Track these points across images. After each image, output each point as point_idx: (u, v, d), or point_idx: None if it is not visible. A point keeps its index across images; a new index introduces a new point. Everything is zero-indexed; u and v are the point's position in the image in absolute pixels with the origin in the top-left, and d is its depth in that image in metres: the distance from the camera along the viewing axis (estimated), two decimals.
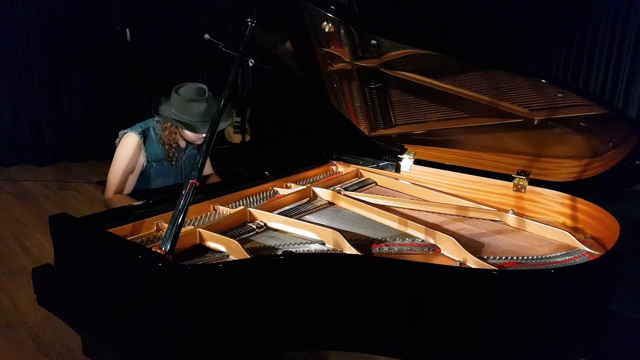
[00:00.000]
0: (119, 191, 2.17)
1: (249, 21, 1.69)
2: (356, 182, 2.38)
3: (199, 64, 5.47)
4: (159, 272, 1.32)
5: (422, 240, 1.75)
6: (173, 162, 2.27)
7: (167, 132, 2.19)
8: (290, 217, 1.90)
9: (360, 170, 2.49)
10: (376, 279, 1.37)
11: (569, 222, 2.00)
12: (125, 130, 2.24)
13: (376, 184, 2.42)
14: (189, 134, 2.21)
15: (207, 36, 4.61)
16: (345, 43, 2.19)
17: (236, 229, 1.79)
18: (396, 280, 1.40)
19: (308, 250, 1.65)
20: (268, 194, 2.15)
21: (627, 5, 3.29)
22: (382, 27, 1.73)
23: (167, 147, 2.22)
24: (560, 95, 1.73)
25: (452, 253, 1.65)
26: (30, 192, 4.65)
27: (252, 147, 5.17)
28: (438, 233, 1.70)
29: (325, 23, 1.79)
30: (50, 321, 2.59)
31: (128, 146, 2.19)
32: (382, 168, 2.47)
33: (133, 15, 5.39)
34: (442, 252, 1.68)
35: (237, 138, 5.19)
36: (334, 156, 2.59)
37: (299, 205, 2.06)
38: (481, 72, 1.98)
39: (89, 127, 5.51)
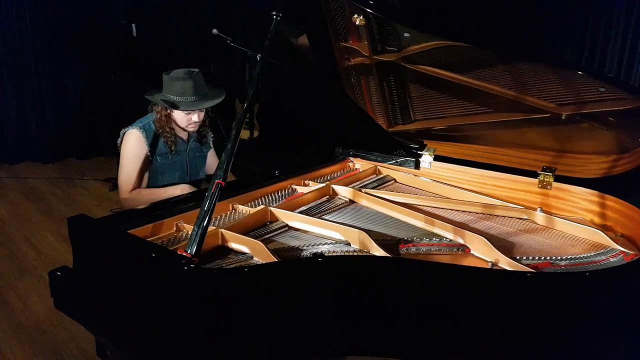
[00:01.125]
0: (134, 189, 2.12)
1: (274, 14, 1.63)
2: (375, 179, 2.32)
3: (206, 58, 5.41)
4: (186, 276, 1.27)
5: (450, 240, 1.70)
6: (172, 149, 2.21)
7: (159, 116, 2.15)
8: (312, 216, 1.85)
9: (379, 167, 2.44)
10: (418, 283, 1.32)
11: (597, 219, 1.95)
12: (126, 128, 2.21)
13: (395, 181, 2.36)
14: (178, 116, 2.17)
15: (215, 31, 4.55)
16: (364, 37, 2.14)
17: (258, 229, 1.74)
18: (447, 285, 1.34)
19: (334, 252, 1.60)
20: (286, 192, 2.10)
21: None
22: (428, 24, 1.67)
23: (162, 133, 2.18)
24: (602, 90, 1.66)
25: (483, 253, 1.60)
26: (36, 190, 4.60)
27: (260, 143, 5.11)
28: (467, 232, 1.65)
29: (355, 16, 1.72)
30: (63, 322, 2.55)
31: (131, 143, 2.16)
32: (400, 164, 2.42)
33: (138, 9, 5.32)
34: (472, 252, 1.63)
35: (245, 134, 5.13)
36: (351, 152, 2.53)
37: (319, 203, 2.00)
38: (506, 65, 1.92)
39: (95, 123, 5.45)
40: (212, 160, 2.49)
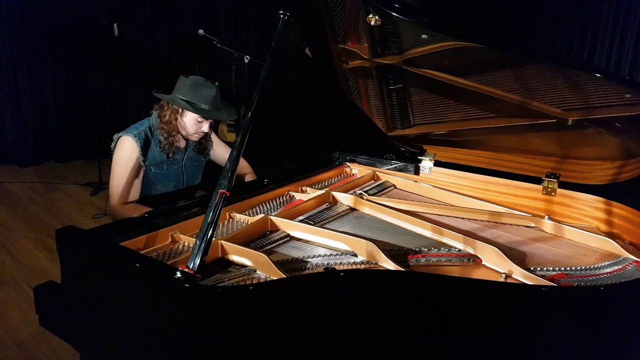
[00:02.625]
0: (126, 200, 2.00)
1: (282, 14, 1.54)
2: (375, 185, 2.25)
3: (191, 59, 5.29)
4: (188, 294, 1.17)
5: (459, 250, 1.63)
6: (170, 156, 2.11)
7: (167, 119, 2.04)
8: (313, 225, 1.77)
9: (377, 173, 2.37)
10: (443, 299, 1.24)
11: (604, 227, 1.91)
12: (120, 134, 2.08)
13: (395, 187, 2.30)
14: (188, 122, 2.08)
15: (201, 31, 4.46)
16: (363, 39, 2.07)
17: (258, 239, 1.65)
18: (475, 303, 1.26)
19: (341, 264, 1.52)
20: (284, 199, 2.02)
21: None
22: (453, 27, 1.60)
23: (165, 136, 2.07)
24: (628, 96, 1.61)
25: (495, 264, 1.54)
26: (14, 195, 4.42)
27: (247, 146, 5.00)
28: (478, 242, 1.59)
29: (370, 16, 1.65)
30: (44, 336, 2.41)
31: (125, 150, 2.04)
32: (400, 170, 2.35)
33: (121, 8, 5.17)
34: (483, 262, 1.57)
35: (231, 137, 5.02)
36: (349, 157, 2.46)
37: (319, 211, 1.92)
38: (512, 68, 1.87)
39: (75, 125, 5.29)
40: (222, 153, 2.42)
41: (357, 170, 2.43)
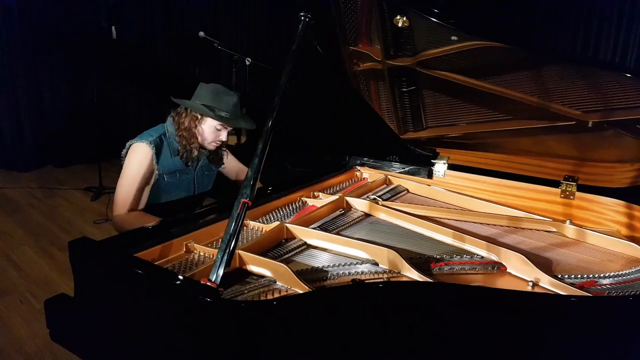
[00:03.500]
0: (133, 208, 1.94)
1: (302, 16, 1.49)
2: (388, 189, 2.21)
3: (191, 61, 5.23)
4: (212, 309, 1.12)
5: (482, 257, 1.59)
6: (188, 164, 2.07)
7: (185, 125, 1.99)
8: (329, 231, 1.73)
9: (389, 177, 2.33)
10: (485, 313, 1.19)
11: (624, 230, 1.87)
12: (133, 141, 2.01)
13: (408, 192, 2.25)
14: (207, 130, 2.03)
15: (202, 34, 4.39)
16: (375, 41, 2.03)
17: (275, 248, 1.60)
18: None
19: (363, 273, 1.47)
20: (297, 205, 1.97)
21: None
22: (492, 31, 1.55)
23: (184, 143, 2.01)
24: None
25: (521, 272, 1.49)
26: (13, 201, 4.35)
27: (248, 149, 4.95)
28: (502, 249, 1.55)
29: (398, 17, 1.60)
30: (50, 347, 2.35)
31: (139, 158, 1.96)
32: (412, 174, 2.31)
33: (120, 10, 5.10)
34: (507, 270, 1.53)
35: (232, 140, 4.96)
36: (359, 161, 2.42)
37: (334, 218, 1.88)
38: (532, 70, 1.83)
39: (74, 129, 5.22)
40: (234, 167, 2.39)
41: (367, 174, 2.39)
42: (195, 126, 2.01)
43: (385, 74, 2.12)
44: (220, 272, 1.15)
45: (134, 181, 1.92)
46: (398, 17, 1.58)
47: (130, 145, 1.98)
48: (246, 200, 1.24)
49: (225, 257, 1.17)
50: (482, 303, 1.18)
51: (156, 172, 1.98)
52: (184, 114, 2.01)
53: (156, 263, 1.43)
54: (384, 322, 1.15)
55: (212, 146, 2.09)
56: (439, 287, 1.32)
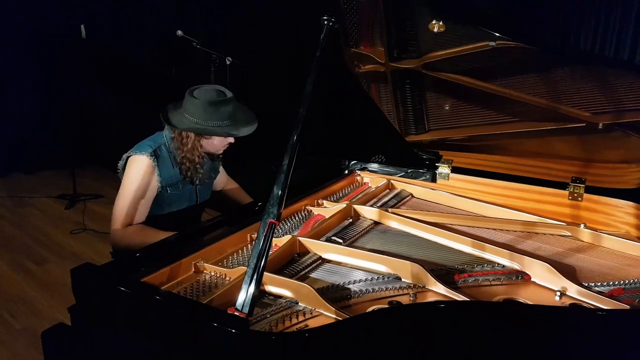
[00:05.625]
0: (132, 223, 1.81)
1: (326, 20, 1.40)
2: (392, 195, 2.14)
3: (167, 60, 5.04)
4: (241, 342, 1.03)
5: (504, 267, 1.54)
6: (194, 179, 1.95)
7: (190, 146, 1.85)
8: (342, 244, 1.65)
9: (392, 181, 2.26)
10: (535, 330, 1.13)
11: (634, 232, 1.86)
12: (131, 152, 1.86)
13: (412, 196, 2.20)
14: (216, 141, 1.91)
15: (180, 32, 4.23)
16: (378, 43, 1.96)
17: (290, 264, 1.51)
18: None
19: (387, 289, 1.40)
20: (303, 214, 1.88)
21: None
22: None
23: (186, 164, 1.88)
24: None
25: (546, 281, 1.45)
26: None
27: (237, 153, 4.81)
28: (526, 257, 1.50)
29: (434, 22, 1.52)
30: None
31: (139, 170, 1.82)
32: (415, 177, 2.26)
33: (90, 8, 4.88)
34: (532, 279, 1.49)
35: None
36: (359, 166, 2.35)
37: (344, 228, 1.80)
38: (542, 71, 1.79)
39: (43, 133, 4.96)
40: (223, 177, 2.29)
41: (368, 178, 2.32)
42: (202, 146, 1.89)
43: (388, 77, 2.05)
44: (249, 300, 1.05)
45: (134, 195, 1.79)
46: (434, 21, 1.50)
47: (128, 157, 1.85)
48: (273, 221, 1.15)
49: (254, 284, 1.07)
50: (546, 324, 1.12)
51: (158, 184, 1.85)
52: (185, 136, 1.86)
53: (166, 287, 1.33)
54: (434, 348, 1.08)
55: (221, 151, 2.00)
56: (496, 308, 1.24)
